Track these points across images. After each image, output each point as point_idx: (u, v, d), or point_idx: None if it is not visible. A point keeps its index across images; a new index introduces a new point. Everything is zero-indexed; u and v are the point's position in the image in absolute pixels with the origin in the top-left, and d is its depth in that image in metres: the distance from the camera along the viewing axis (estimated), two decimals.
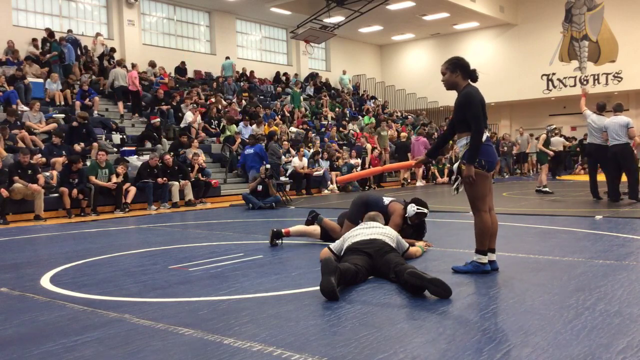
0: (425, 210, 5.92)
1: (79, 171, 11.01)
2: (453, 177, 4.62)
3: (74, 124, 12.92)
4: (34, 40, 16.94)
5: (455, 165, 4.57)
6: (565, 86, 26.53)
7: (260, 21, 25.58)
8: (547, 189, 12.35)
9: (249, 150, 13.31)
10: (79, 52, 17.52)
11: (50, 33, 16.92)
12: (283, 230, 6.39)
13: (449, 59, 4.54)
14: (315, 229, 6.44)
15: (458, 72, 4.45)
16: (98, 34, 18.68)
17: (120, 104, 16.45)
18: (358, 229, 4.93)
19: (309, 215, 6.62)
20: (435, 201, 11.63)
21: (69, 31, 17.60)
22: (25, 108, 13.59)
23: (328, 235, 6.28)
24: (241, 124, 16.82)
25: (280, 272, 4.83)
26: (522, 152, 22.10)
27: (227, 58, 22.28)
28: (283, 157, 15.73)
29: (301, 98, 22.21)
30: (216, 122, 17.00)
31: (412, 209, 5.81)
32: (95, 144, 12.81)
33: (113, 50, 18.82)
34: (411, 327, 3.17)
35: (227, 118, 17.00)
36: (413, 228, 6.02)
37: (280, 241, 6.39)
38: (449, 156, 18.96)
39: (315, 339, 2.99)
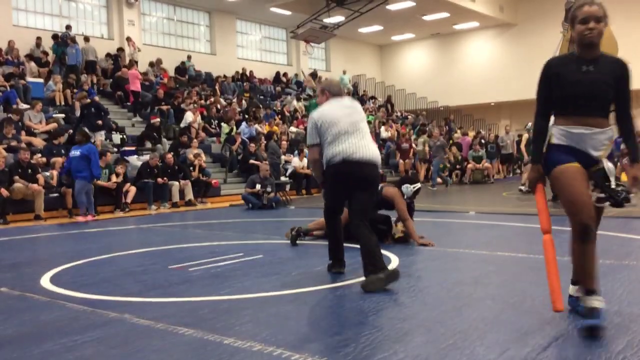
0: (419, 185, 6.30)
1: None
2: (612, 185, 3.04)
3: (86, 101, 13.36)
4: (39, 39, 16.96)
5: (609, 167, 3.04)
6: None
7: (260, 21, 25.57)
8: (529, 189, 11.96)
9: (75, 152, 10.48)
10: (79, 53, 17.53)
11: (54, 35, 16.98)
12: (303, 229, 6.44)
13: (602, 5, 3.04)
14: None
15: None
16: (129, 38, 18.90)
17: (95, 78, 17.04)
18: (340, 116, 4.32)
19: (292, 232, 6.39)
20: (435, 201, 11.62)
21: (67, 27, 17.56)
22: (26, 106, 13.58)
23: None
24: (244, 123, 16.77)
25: (280, 271, 4.83)
26: (509, 152, 19.85)
27: (189, 58, 21.41)
28: (283, 156, 15.71)
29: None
30: (216, 122, 16.99)
31: (408, 189, 6.10)
32: (98, 142, 12.81)
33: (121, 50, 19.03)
34: (411, 327, 3.17)
35: (226, 118, 16.97)
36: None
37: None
38: (447, 156, 18.66)
39: (315, 339, 2.99)
